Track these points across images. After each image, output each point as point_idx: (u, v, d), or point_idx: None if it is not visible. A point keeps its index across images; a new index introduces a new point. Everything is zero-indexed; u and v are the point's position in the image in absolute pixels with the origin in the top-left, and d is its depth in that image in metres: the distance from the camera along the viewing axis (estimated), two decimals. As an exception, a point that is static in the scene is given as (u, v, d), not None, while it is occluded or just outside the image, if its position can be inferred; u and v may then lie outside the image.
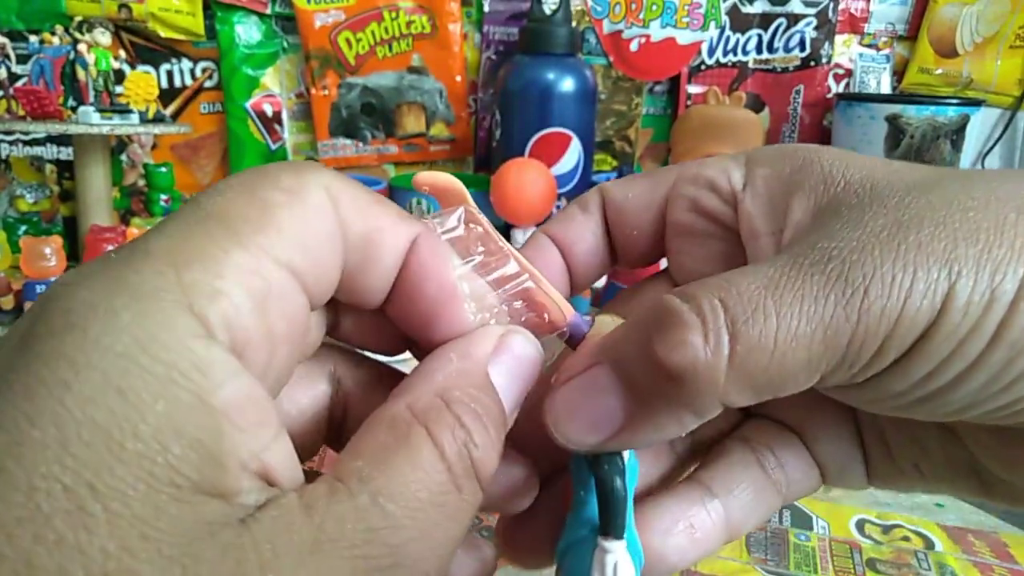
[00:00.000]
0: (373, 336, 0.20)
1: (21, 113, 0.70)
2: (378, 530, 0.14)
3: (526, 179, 0.73)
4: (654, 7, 0.89)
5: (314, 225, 0.17)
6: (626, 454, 0.18)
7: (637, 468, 0.20)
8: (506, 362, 0.18)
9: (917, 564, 0.36)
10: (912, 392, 0.16)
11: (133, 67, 0.85)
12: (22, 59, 0.83)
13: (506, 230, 0.74)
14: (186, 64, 0.89)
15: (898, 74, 0.94)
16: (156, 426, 0.13)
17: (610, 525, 0.17)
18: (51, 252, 0.68)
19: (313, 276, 0.17)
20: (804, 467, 0.23)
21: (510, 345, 0.18)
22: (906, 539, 0.38)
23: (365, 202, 0.18)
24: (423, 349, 0.19)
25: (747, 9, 0.91)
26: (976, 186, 0.16)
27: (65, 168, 0.87)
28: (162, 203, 0.80)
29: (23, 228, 0.88)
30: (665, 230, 0.23)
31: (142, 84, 0.74)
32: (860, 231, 0.16)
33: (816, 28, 0.91)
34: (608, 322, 0.19)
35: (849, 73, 0.94)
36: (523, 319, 0.20)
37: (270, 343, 0.16)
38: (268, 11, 0.89)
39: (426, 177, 0.19)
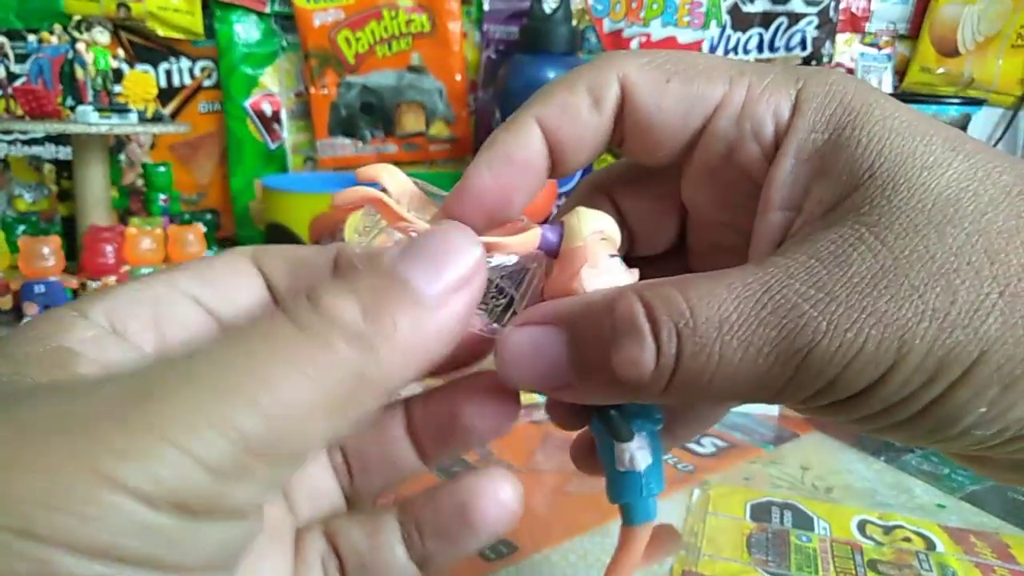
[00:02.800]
0: None
1: (19, 112, 0.69)
2: (220, 338, 0.14)
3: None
4: (655, 6, 0.89)
5: (225, 271, 0.19)
6: None
7: None
8: (418, 250, 0.16)
9: (918, 565, 0.36)
10: (854, 424, 0.17)
11: (132, 66, 0.85)
12: (20, 58, 0.83)
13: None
14: (185, 63, 0.89)
15: (899, 73, 0.94)
16: (16, 360, 0.15)
17: (615, 435, 0.20)
18: (49, 252, 0.68)
19: (227, 313, 0.19)
20: None
21: (425, 236, 0.17)
22: (907, 540, 0.38)
23: (293, 260, 0.20)
24: None
25: (748, 8, 0.91)
26: (988, 236, 0.15)
27: (63, 168, 0.87)
28: (161, 203, 0.80)
29: (21, 228, 0.88)
30: (689, 156, 0.20)
31: (141, 83, 0.74)
32: (842, 272, 0.16)
33: (817, 27, 0.91)
34: (576, 225, 0.20)
35: (851, 72, 0.94)
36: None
37: (158, 339, 0.18)
38: (267, 10, 0.89)
39: (343, 198, 0.20)
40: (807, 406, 0.17)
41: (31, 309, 0.63)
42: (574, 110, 0.19)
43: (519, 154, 0.19)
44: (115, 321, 0.17)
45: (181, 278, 0.19)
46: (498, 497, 0.19)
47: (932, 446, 0.17)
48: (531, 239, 0.20)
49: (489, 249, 0.19)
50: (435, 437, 0.21)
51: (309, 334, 0.14)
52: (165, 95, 0.88)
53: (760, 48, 0.92)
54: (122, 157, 0.89)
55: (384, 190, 0.20)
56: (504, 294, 0.21)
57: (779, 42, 0.92)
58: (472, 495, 0.20)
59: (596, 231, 0.20)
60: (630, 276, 0.20)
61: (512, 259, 0.20)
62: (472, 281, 0.16)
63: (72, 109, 0.69)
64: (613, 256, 0.20)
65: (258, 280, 0.20)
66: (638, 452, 0.20)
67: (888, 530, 0.39)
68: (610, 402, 0.20)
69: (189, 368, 0.13)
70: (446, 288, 0.16)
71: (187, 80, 0.90)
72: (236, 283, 0.19)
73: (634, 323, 0.17)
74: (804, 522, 0.39)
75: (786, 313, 0.16)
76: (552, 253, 0.20)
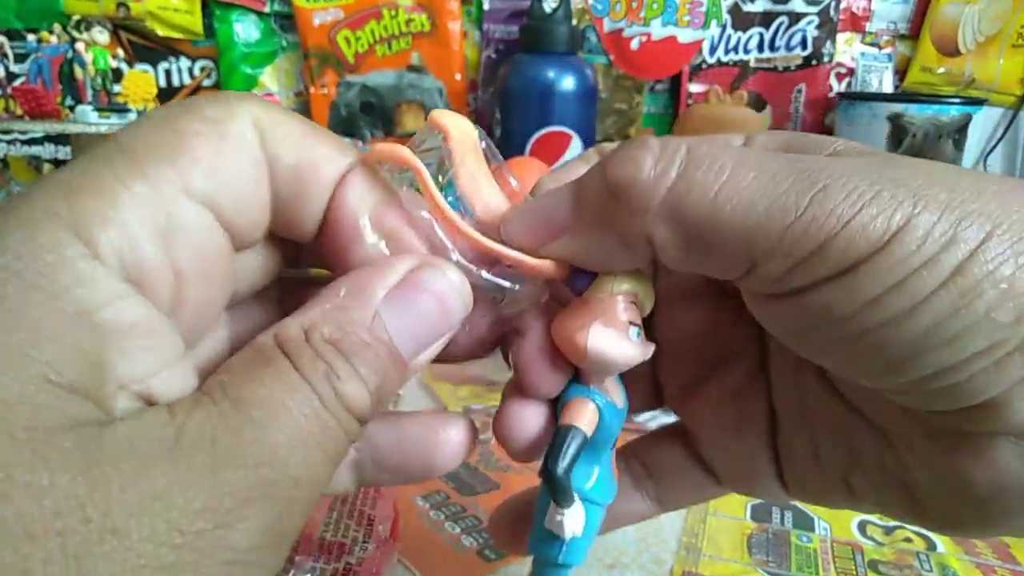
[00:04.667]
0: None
1: (19, 112, 0.69)
2: (240, 430, 0.14)
3: (526, 178, 0.73)
4: (655, 5, 0.89)
5: (235, 157, 0.16)
6: (574, 445, 0.19)
7: (623, 418, 0.21)
8: (408, 297, 0.17)
9: (919, 565, 0.36)
10: (855, 320, 0.15)
11: (131, 66, 0.85)
12: (20, 58, 0.83)
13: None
14: (184, 63, 0.89)
15: (900, 73, 0.94)
16: (33, 328, 0.13)
17: (555, 499, 0.19)
18: (49, 251, 0.67)
19: (235, 210, 0.16)
20: (686, 475, 0.23)
21: (420, 279, 0.17)
22: (908, 540, 0.38)
23: (299, 133, 0.17)
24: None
25: (748, 7, 0.91)
26: (968, 171, 0.17)
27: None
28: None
29: (21, 227, 0.88)
30: None
31: (140, 83, 0.74)
32: (848, 159, 0.16)
33: (818, 27, 0.91)
34: (609, 279, 0.19)
35: (851, 72, 0.94)
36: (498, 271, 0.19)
37: (176, 277, 0.15)
38: (267, 9, 0.89)
39: (377, 151, 0.18)
40: (807, 280, 0.15)
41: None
42: (574, 168, 0.22)
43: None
44: (128, 262, 0.14)
45: (195, 175, 0.16)
46: (459, 441, 0.20)
47: (928, 367, 0.15)
48: (549, 267, 0.19)
49: (504, 260, 0.18)
50: (387, 465, 0.20)
51: (324, 421, 0.15)
52: (164, 95, 0.88)
53: (760, 48, 0.92)
54: (122, 157, 0.89)
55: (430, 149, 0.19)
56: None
57: (779, 41, 0.92)
58: (435, 441, 0.20)
59: (627, 292, 0.19)
60: (643, 350, 0.19)
61: (514, 285, 0.19)
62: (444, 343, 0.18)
63: (71, 109, 0.69)
64: (634, 324, 0.19)
65: (264, 169, 0.17)
66: (568, 520, 0.19)
67: (889, 530, 0.39)
68: (594, 257, 0.18)
69: (214, 449, 0.14)
70: (427, 357, 0.18)
71: (187, 80, 0.90)
72: (248, 176, 0.17)
73: (642, 138, 0.17)
74: (804, 522, 0.39)
75: (797, 161, 0.16)
76: (575, 291, 0.19)
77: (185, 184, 0.15)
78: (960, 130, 0.81)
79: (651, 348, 0.19)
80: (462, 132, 0.19)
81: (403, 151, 0.18)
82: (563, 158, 0.80)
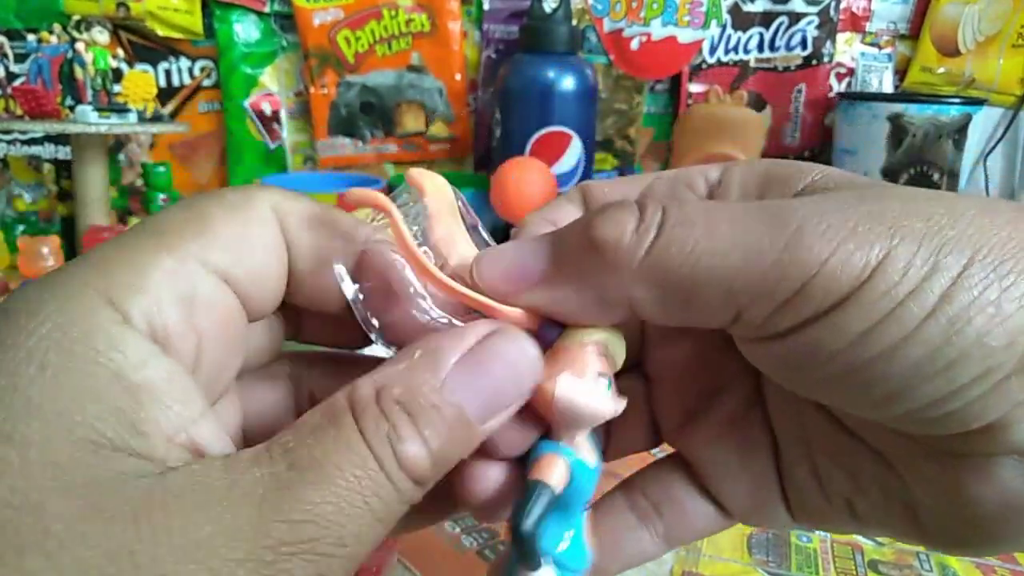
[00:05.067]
0: (338, 333, 0.21)
1: (19, 112, 0.69)
2: (290, 487, 0.14)
3: (526, 178, 0.73)
4: (655, 5, 0.89)
5: (253, 235, 0.18)
6: (542, 501, 0.18)
7: (595, 479, 0.20)
8: (481, 363, 0.17)
9: (919, 565, 0.36)
10: (844, 357, 0.15)
11: (131, 66, 0.85)
12: (20, 58, 0.83)
13: (506, 230, 0.74)
14: (184, 63, 0.89)
15: (900, 73, 0.94)
16: (75, 393, 0.14)
17: (522, 559, 0.18)
18: (49, 252, 0.68)
19: (249, 283, 0.18)
20: (693, 508, 0.22)
21: (494, 346, 0.17)
22: (908, 541, 0.38)
23: (317, 212, 0.19)
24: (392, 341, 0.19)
25: (748, 7, 0.91)
26: (944, 195, 0.17)
27: (63, 167, 0.86)
28: (160, 202, 0.80)
29: (21, 228, 0.88)
30: None
31: (140, 83, 0.74)
32: (820, 196, 0.17)
33: (818, 27, 0.91)
34: (579, 329, 0.19)
35: (851, 72, 0.94)
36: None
37: (197, 340, 0.17)
38: (267, 9, 0.88)
39: (354, 195, 0.19)
40: (793, 321, 0.15)
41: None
42: (558, 205, 0.22)
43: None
44: (156, 327, 0.16)
45: (214, 252, 0.17)
46: (496, 480, 0.20)
47: (923, 399, 0.15)
48: (519, 315, 0.19)
49: (474, 306, 0.18)
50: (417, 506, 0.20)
51: (377, 484, 0.15)
52: (164, 95, 0.88)
53: (760, 48, 0.92)
54: (121, 157, 0.89)
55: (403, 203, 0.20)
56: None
57: (779, 41, 0.92)
58: (473, 481, 0.20)
59: (598, 342, 0.18)
60: (614, 403, 0.18)
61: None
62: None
63: (71, 109, 0.69)
64: (603, 375, 0.18)
65: (281, 247, 0.19)
66: None
67: (889, 531, 0.39)
68: (570, 309, 0.18)
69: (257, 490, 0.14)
70: (496, 424, 0.17)
71: (186, 80, 0.90)
72: (263, 252, 0.18)
73: (621, 201, 0.17)
74: (805, 522, 0.39)
75: (768, 207, 0.16)
76: (544, 343, 0.19)
77: (205, 258, 0.17)
78: (960, 130, 0.81)
79: (623, 403, 0.19)
80: (437, 188, 0.20)
81: (378, 196, 0.19)
82: (563, 158, 0.80)
